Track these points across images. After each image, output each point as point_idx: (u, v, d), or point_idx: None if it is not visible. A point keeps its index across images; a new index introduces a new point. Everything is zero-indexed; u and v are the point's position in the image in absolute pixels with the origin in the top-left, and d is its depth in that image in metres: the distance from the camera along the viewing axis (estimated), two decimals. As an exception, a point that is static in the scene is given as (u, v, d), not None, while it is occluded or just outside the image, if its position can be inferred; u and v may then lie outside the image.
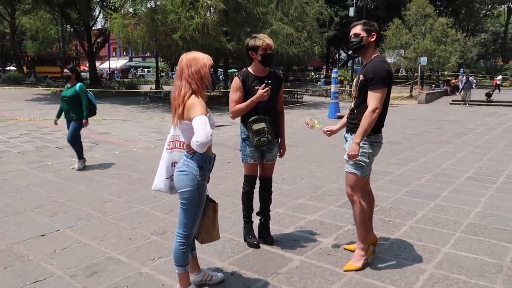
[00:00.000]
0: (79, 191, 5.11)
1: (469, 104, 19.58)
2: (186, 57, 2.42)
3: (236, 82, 3.32)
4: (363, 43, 3.00)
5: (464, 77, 21.20)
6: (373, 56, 3.03)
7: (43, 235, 3.69)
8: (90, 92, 6.31)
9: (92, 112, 6.33)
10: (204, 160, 2.44)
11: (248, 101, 3.21)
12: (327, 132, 3.34)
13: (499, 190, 5.22)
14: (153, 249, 3.41)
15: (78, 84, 6.14)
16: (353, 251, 3.22)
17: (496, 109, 17.63)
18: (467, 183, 5.55)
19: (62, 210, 4.38)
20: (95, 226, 3.93)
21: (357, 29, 3.02)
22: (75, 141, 6.24)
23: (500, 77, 30.06)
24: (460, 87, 21.75)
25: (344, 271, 3.06)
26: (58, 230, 3.81)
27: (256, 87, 3.21)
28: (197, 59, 2.40)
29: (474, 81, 22.45)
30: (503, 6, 50.45)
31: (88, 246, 3.47)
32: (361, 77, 2.98)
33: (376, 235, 3.43)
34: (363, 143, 2.99)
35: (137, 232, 3.80)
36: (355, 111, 3.04)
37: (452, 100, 21.57)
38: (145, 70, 53.85)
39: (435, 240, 3.62)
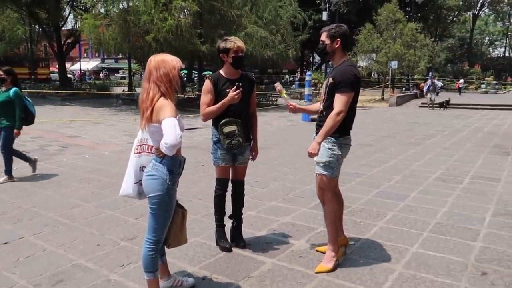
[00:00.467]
0: (46, 196, 4.94)
1: (434, 107, 19.51)
2: (155, 59, 2.38)
3: (207, 84, 3.29)
4: (327, 50, 3.07)
5: (429, 80, 21.27)
6: (342, 60, 3.08)
7: (5, 243, 3.54)
8: (28, 99, 5.74)
9: (29, 120, 5.77)
10: (173, 164, 2.39)
11: (219, 103, 3.19)
12: (290, 106, 3.35)
13: (465, 190, 5.40)
14: (122, 255, 3.33)
15: (13, 89, 5.47)
16: (324, 252, 3.24)
17: (462, 111, 18.27)
18: (435, 184, 5.70)
19: (27, 216, 4.22)
20: (61, 233, 3.80)
21: (323, 36, 3.08)
22: (6, 151, 5.66)
23: (461, 81, 32.05)
24: (425, 90, 21.77)
25: (316, 272, 3.07)
26: (22, 238, 3.67)
27: (228, 90, 3.19)
28: (166, 62, 2.36)
29: (439, 84, 22.37)
30: (468, 12, 52.55)
31: (53, 254, 3.35)
32: (330, 80, 3.02)
33: (346, 236, 3.47)
34: (333, 145, 3.03)
35: (106, 238, 3.70)
36: (324, 113, 3.07)
37: (422, 103, 22.19)
38: (119, 72, 52.38)
39: (404, 240, 3.70)
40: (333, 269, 3.10)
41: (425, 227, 4.04)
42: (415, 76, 30.67)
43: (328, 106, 3.03)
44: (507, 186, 5.58)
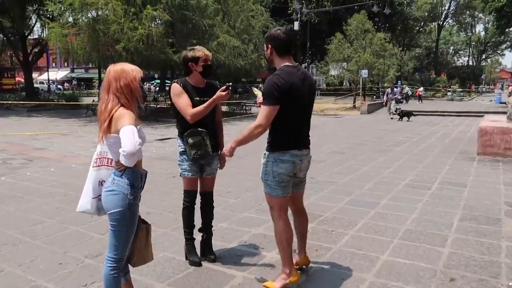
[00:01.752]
0: (6, 213, 4.69)
1: (392, 116, 18.17)
2: (114, 69, 2.28)
3: (177, 87, 3.21)
4: (267, 59, 2.93)
5: (389, 89, 20.25)
6: (279, 68, 2.82)
7: (-41, 265, 3.32)
8: None
9: None
10: (135, 178, 2.30)
11: (207, 102, 3.08)
12: (259, 103, 3.04)
13: (433, 196, 5.51)
14: (86, 274, 3.18)
15: None
16: (296, 265, 3.15)
17: (430, 118, 18.82)
18: (405, 190, 5.80)
19: (-16, 235, 3.99)
20: (21, 252, 3.60)
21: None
22: None
23: (421, 88, 33.39)
24: (384, 98, 20.39)
25: (264, 286, 2.96)
26: (-23, 259, 3.45)
27: (196, 98, 3.15)
28: (126, 72, 2.27)
29: (398, 93, 20.70)
30: (434, 23, 54.62)
31: (11, 275, 3.16)
32: None
33: (308, 256, 3.23)
34: (267, 160, 2.83)
35: (69, 255, 3.53)
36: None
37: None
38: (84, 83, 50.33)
39: (375, 248, 3.71)
40: None
41: (395, 234, 4.08)
42: (385, 84, 31.50)
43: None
44: (472, 191, 5.73)
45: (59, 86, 46.69)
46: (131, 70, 2.29)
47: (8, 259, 3.45)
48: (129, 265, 2.56)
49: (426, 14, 47.76)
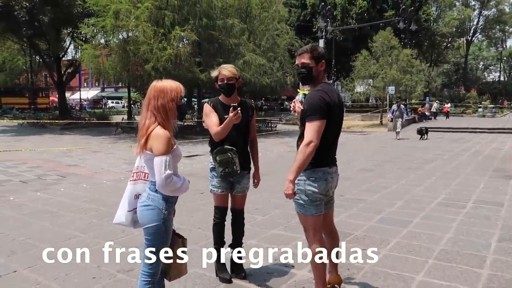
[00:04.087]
0: (42, 227, 4.84)
1: (399, 137, 16.25)
2: (155, 88, 2.36)
3: (207, 107, 3.30)
4: (313, 73, 2.78)
5: (395, 105, 17.53)
6: (320, 84, 2.79)
7: (-2, 277, 3.43)
8: None
9: None
10: None
11: (222, 125, 3.12)
12: (294, 107, 2.96)
13: (468, 215, 5.31)
14: (119, 288, 3.22)
15: None
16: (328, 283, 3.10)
17: (461, 135, 18.30)
18: (438, 209, 5.62)
19: (21, 248, 4.12)
20: (56, 266, 3.69)
21: (305, 58, 2.77)
22: None
23: (449, 105, 32.67)
24: (389, 116, 17.73)
25: None
26: (15, 271, 3.56)
27: (226, 116, 3.19)
28: (165, 92, 2.33)
29: (403, 111, 17.78)
30: (462, 39, 53.60)
31: (47, 288, 3.24)
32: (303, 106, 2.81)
33: (340, 275, 3.16)
34: (298, 180, 2.72)
35: (102, 270, 3.59)
36: (298, 142, 2.81)
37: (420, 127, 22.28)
38: (115, 101, 52.09)
39: (409, 268, 3.60)
40: None
41: (430, 254, 3.94)
42: (413, 101, 30.97)
43: (302, 134, 2.75)
44: (510, 211, 5.50)
45: (90, 105, 48.22)
46: (170, 91, 2.34)
47: (43, 272, 3.54)
48: (164, 280, 2.58)
49: (454, 30, 47.01)
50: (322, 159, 2.77)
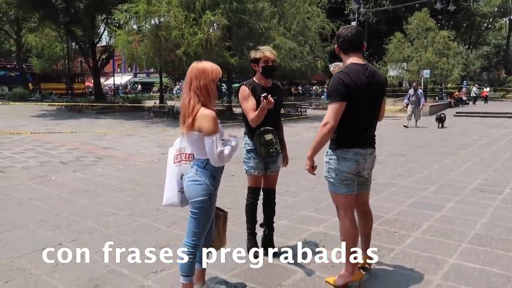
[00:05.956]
0: (82, 205, 5.10)
1: (416, 125, 14.97)
2: (196, 68, 2.43)
3: (245, 90, 3.28)
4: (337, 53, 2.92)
5: (412, 90, 15.46)
6: (345, 66, 2.84)
7: (44, 249, 3.67)
8: None
9: None
10: (216, 170, 2.49)
11: (257, 111, 3.10)
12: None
13: (505, 201, 5.16)
14: (155, 262, 3.38)
15: None
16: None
17: (500, 120, 17.56)
18: (473, 194, 5.48)
19: (64, 224, 4.37)
20: (97, 240, 3.91)
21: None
22: None
23: (488, 89, 31.06)
24: (405, 101, 15.65)
25: (325, 281, 2.99)
26: (60, 244, 3.79)
27: (263, 95, 3.18)
28: (206, 73, 2.41)
29: (422, 96, 15.51)
30: (504, 19, 50.74)
31: (90, 260, 3.45)
32: None
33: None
34: (329, 158, 2.86)
35: (139, 245, 3.76)
36: None
37: (456, 112, 21.54)
38: (140, 86, 52.58)
39: (441, 251, 3.57)
40: (341, 287, 2.88)
41: (464, 238, 3.88)
42: (449, 85, 29.88)
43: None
44: (551, 197, 5.29)
45: (124, 90, 49.37)
46: (211, 72, 2.42)
47: (86, 245, 3.76)
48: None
49: (496, 9, 44.58)
50: (353, 140, 2.80)
